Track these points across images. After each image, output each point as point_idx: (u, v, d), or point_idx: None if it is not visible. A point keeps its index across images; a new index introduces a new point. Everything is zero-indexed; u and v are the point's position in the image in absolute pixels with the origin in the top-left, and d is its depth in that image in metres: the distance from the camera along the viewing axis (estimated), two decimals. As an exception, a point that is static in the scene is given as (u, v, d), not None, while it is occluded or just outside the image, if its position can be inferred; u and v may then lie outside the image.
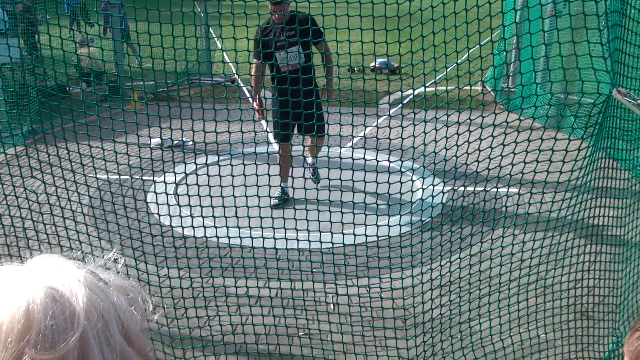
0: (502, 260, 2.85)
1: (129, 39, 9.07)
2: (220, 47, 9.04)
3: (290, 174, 4.53)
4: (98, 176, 3.32)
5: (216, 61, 6.50)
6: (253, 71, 4.66)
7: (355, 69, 9.60)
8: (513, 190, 4.51)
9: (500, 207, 4.18)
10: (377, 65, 9.60)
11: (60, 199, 3.16)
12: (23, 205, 3.20)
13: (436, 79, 3.63)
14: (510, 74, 8.12)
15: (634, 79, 2.71)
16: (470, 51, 3.03)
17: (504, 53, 2.63)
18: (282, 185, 5.02)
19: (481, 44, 2.73)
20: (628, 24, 2.64)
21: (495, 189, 3.21)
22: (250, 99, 4.06)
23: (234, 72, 8.77)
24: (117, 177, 4.22)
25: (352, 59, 3.13)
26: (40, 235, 3.21)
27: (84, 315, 0.51)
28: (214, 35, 8.81)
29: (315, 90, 4.12)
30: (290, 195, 5.13)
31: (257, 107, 4.63)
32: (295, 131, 5.04)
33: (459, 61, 3.21)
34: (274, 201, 4.83)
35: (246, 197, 2.95)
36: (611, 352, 3.02)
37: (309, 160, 5.23)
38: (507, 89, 8.12)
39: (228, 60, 7.98)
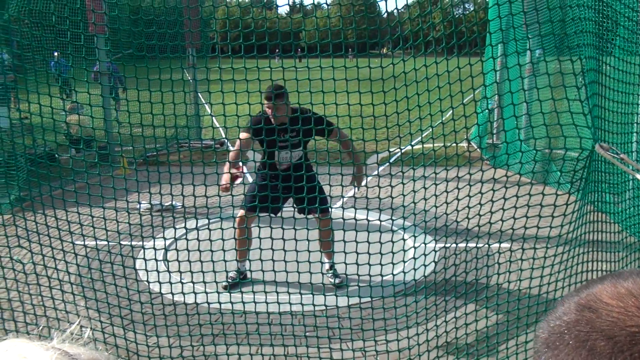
0: (497, 318, 2.80)
1: (117, 97, 9.19)
2: (209, 112, 9.19)
3: (247, 255, 3.98)
4: (86, 243, 3.27)
5: (205, 126, 6.61)
6: (237, 145, 3.87)
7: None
8: (505, 245, 4.50)
9: (493, 264, 4.15)
10: None
11: (47, 268, 3.10)
12: (8, 276, 3.13)
13: (422, 137, 3.69)
14: (494, 132, 8.30)
15: (615, 133, 2.77)
16: (455, 109, 3.11)
17: (487, 111, 2.69)
18: (238, 265, 4.18)
19: (464, 102, 2.80)
20: (603, 80, 2.73)
21: (487, 245, 3.20)
22: (227, 167, 3.71)
23: (223, 136, 8.88)
24: (106, 243, 4.16)
25: (339, 120, 3.19)
26: (26, 306, 3.12)
27: None
28: (203, 101, 8.97)
29: (312, 174, 3.67)
30: (249, 277, 4.27)
31: (225, 181, 3.74)
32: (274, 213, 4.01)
33: (443, 119, 3.28)
34: (225, 283, 4.09)
35: (237, 260, 2.91)
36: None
37: (326, 265, 4.40)
38: (492, 145, 8.27)
39: (217, 125, 8.08)
